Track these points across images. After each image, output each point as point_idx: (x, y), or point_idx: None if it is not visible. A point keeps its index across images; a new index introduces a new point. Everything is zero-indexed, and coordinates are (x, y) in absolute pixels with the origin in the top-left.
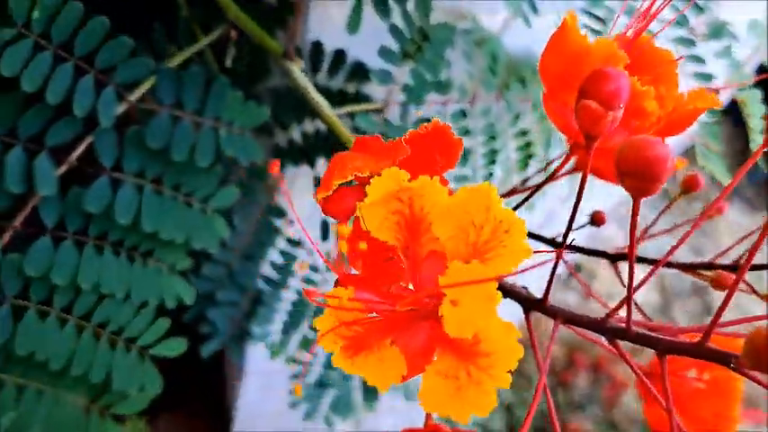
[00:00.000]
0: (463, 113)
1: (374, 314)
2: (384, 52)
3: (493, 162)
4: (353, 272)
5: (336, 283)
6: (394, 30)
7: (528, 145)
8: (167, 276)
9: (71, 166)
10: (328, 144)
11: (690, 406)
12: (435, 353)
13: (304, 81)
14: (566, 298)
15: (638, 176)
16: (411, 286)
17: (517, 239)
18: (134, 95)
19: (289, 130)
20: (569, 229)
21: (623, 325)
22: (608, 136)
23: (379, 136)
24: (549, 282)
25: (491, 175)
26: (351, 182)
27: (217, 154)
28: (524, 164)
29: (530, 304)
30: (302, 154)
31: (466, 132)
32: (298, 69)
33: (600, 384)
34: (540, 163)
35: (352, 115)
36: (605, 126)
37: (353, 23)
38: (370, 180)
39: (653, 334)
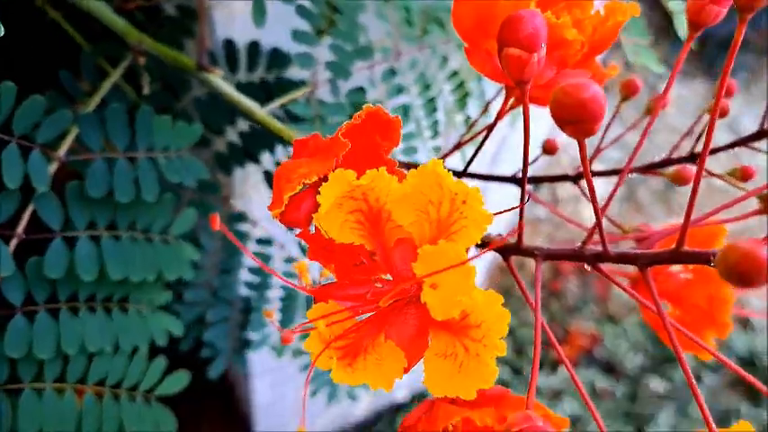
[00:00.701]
0: (392, 72)
1: (360, 316)
2: (298, 35)
3: (434, 110)
4: (328, 280)
5: (314, 301)
6: (301, 11)
7: (461, 84)
8: (150, 316)
9: (21, 239)
10: (269, 138)
11: (683, 296)
12: (429, 335)
13: (227, 89)
14: (536, 211)
15: (576, 122)
16: (388, 277)
17: (476, 207)
18: (62, 150)
19: (225, 134)
20: (526, 165)
21: (600, 248)
22: (538, 74)
23: (317, 134)
24: (520, 224)
25: (436, 123)
26: (301, 188)
27: (161, 183)
28: (462, 103)
29: (507, 250)
30: (245, 153)
31: (399, 90)
32: (217, 78)
33: (589, 284)
34: (478, 98)
35: (285, 105)
36: (532, 69)
37: (258, 15)
38: (320, 182)
39: (631, 251)
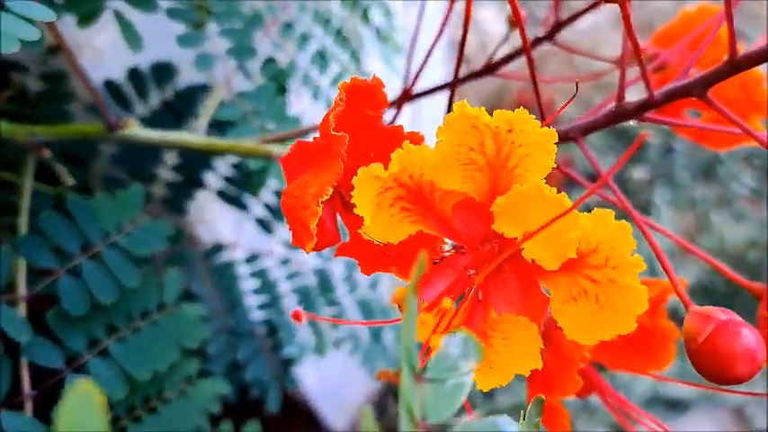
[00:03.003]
0: (288, 26)
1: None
2: (183, 40)
3: (345, 40)
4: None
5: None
6: (173, 13)
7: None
8: (193, 391)
9: (33, 396)
10: (202, 157)
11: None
12: (542, 285)
13: (151, 135)
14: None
15: None
16: (464, 248)
17: (527, 129)
18: (21, 288)
19: (157, 177)
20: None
21: (643, 97)
22: None
23: (300, 142)
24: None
25: (354, 52)
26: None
27: (135, 261)
28: (366, 17)
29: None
30: (188, 184)
31: (305, 38)
32: (136, 129)
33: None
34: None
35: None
36: None
37: (132, 41)
38: (336, 191)
39: (681, 84)
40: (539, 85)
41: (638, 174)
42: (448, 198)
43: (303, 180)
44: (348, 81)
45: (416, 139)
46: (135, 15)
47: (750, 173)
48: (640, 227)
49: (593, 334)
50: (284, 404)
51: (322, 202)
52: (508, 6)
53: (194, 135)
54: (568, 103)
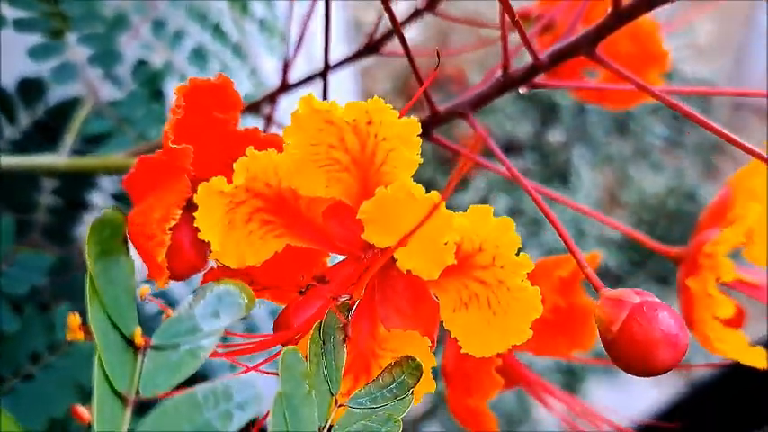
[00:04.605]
0: (160, 24)
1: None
2: (36, 52)
3: (224, 36)
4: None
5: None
6: (21, 24)
7: None
8: None
9: None
10: (80, 177)
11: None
12: (432, 292)
13: (11, 161)
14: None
15: None
16: (341, 256)
17: (387, 119)
18: None
19: (38, 205)
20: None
21: (530, 63)
22: None
23: (143, 158)
24: (428, 97)
25: (237, 46)
26: (170, 234)
27: (15, 306)
28: (245, 10)
29: (430, 125)
30: (71, 207)
31: (179, 36)
32: None
33: (448, 90)
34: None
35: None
36: None
37: None
38: (188, 209)
39: (567, 43)
40: (414, 61)
41: (555, 137)
42: (316, 205)
43: (147, 204)
44: (186, 83)
45: (275, 142)
46: None
47: (661, 123)
48: (535, 199)
49: (488, 345)
50: None
51: (171, 228)
52: None
53: (56, 157)
54: (422, 91)
